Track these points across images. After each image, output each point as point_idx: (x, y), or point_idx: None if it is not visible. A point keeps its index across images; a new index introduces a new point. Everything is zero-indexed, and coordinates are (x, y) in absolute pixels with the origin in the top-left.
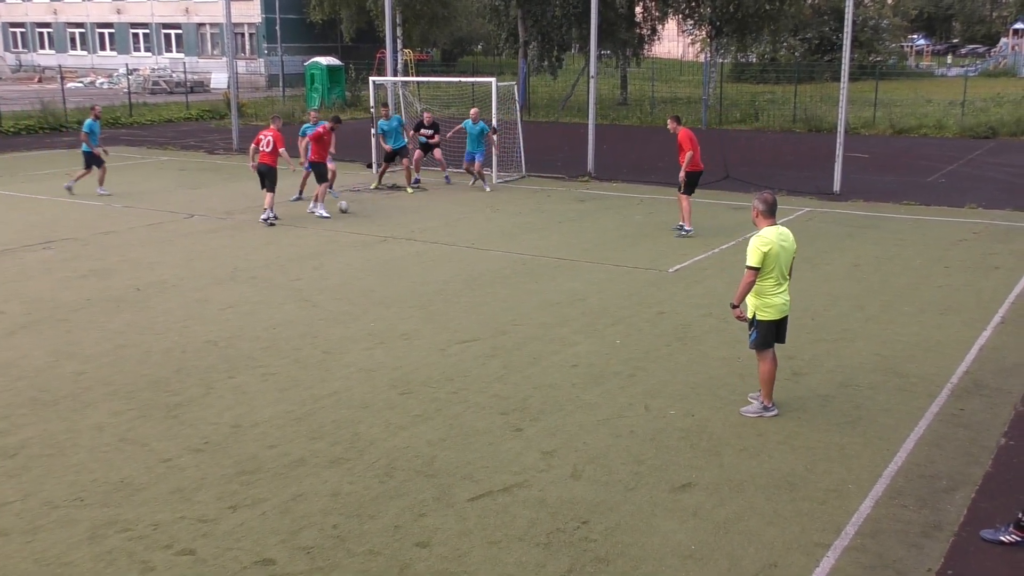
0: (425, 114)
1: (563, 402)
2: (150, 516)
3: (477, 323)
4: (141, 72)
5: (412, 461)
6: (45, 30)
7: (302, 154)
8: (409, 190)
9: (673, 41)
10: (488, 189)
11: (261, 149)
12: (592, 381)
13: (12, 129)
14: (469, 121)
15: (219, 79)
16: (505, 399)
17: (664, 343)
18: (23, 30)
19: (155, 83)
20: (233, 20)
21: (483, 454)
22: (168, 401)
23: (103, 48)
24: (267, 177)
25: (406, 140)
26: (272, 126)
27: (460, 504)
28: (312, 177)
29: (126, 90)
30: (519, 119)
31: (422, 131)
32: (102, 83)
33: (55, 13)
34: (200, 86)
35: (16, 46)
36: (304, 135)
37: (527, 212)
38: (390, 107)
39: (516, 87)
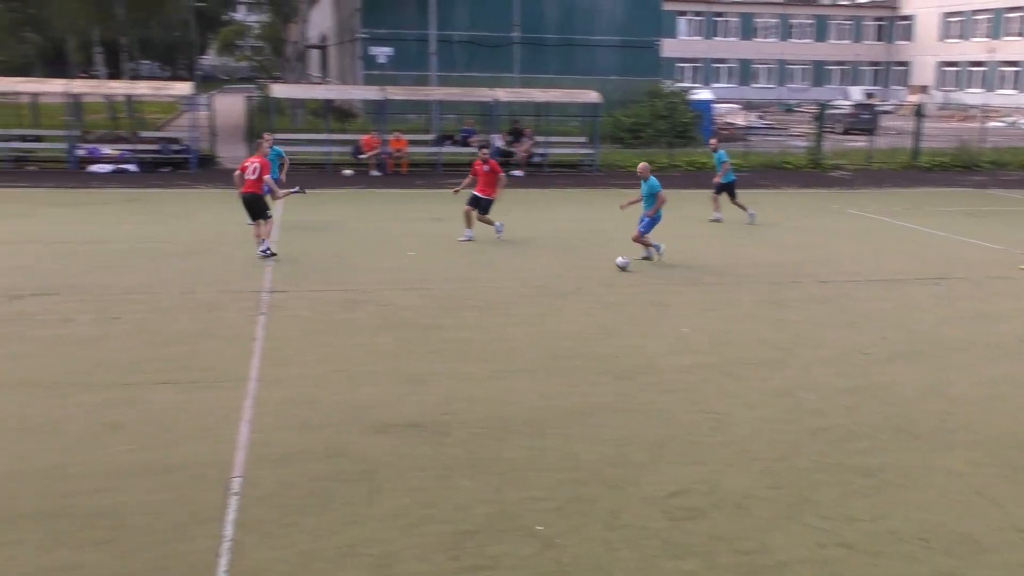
0: None
1: None
2: None
3: None
4: None
5: None
6: (977, 69)
7: None
8: None
9: None
10: None
11: (247, 177)
12: None
13: (927, 164)
14: None
15: None
16: None
17: None
18: (957, 69)
19: None
20: None
21: None
22: None
23: None
24: (252, 206)
25: None
26: (259, 153)
27: None
28: None
29: None
30: None
31: None
32: (1022, 123)
33: (991, 52)
34: None
35: (946, 84)
36: None
37: None
38: None
39: None
